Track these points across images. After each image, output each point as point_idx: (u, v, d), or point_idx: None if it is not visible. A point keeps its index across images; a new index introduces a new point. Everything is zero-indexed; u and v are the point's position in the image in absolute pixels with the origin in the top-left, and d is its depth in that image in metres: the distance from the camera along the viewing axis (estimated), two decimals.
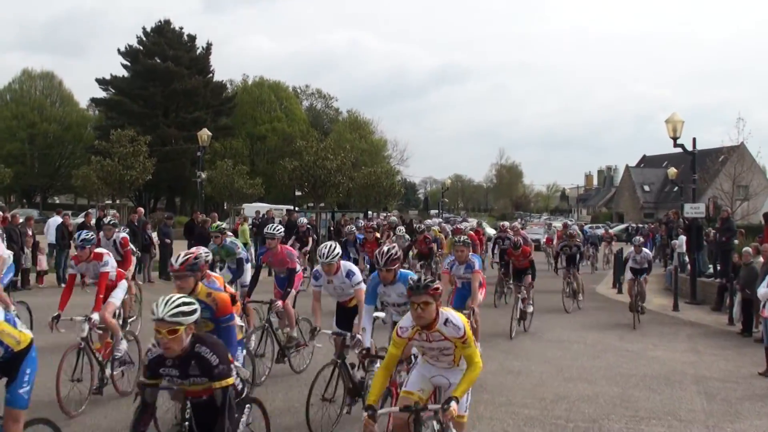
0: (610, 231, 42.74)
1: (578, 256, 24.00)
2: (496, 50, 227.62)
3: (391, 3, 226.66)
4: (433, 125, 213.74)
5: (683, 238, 28.50)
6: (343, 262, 10.41)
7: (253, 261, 19.05)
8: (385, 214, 49.25)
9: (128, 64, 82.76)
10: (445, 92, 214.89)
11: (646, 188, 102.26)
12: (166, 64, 79.52)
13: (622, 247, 34.47)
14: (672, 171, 56.90)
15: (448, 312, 6.89)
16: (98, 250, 11.52)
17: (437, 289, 6.62)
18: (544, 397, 11.43)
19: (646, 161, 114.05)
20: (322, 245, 10.49)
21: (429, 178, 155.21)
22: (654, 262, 39.32)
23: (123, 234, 16.60)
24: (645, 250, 21.50)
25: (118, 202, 37.35)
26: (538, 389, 11.92)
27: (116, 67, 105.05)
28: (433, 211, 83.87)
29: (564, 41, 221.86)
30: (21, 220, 24.47)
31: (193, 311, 6.10)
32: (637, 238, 22.92)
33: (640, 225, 65.25)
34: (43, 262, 24.93)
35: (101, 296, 10.99)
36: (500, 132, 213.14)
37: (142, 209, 30.34)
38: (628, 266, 21.07)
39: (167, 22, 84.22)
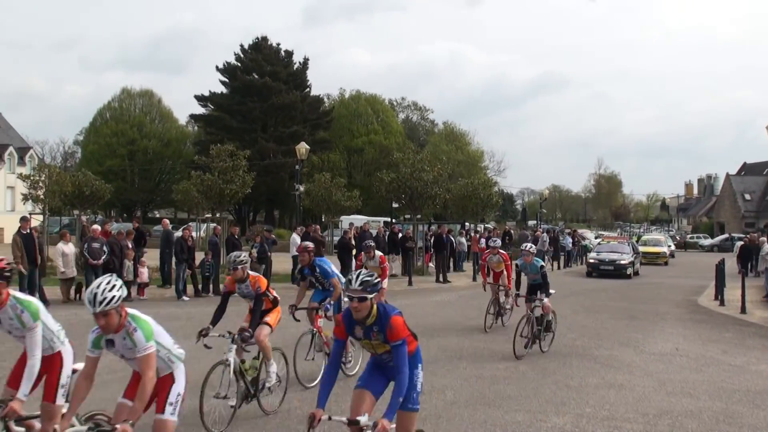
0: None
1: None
2: (595, 58, 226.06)
3: (492, 13, 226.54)
4: (530, 135, 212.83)
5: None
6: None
7: None
8: (483, 226, 49.05)
9: (226, 80, 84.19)
10: (543, 102, 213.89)
11: (747, 197, 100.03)
12: (263, 79, 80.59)
13: (723, 258, 33.67)
14: None
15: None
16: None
17: None
18: (647, 411, 11.13)
19: (747, 169, 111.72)
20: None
21: (526, 189, 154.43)
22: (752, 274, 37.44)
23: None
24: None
25: (218, 215, 37.77)
26: (641, 403, 11.62)
27: (214, 84, 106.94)
28: (531, 222, 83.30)
29: (663, 47, 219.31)
30: (122, 232, 25.11)
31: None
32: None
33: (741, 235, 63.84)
34: (144, 275, 25.29)
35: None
36: (598, 141, 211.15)
37: (219, 227, 30.97)
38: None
39: (264, 39, 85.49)
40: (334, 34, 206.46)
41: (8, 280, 7.23)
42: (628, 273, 38.09)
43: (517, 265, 17.07)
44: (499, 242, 20.52)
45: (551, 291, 16.07)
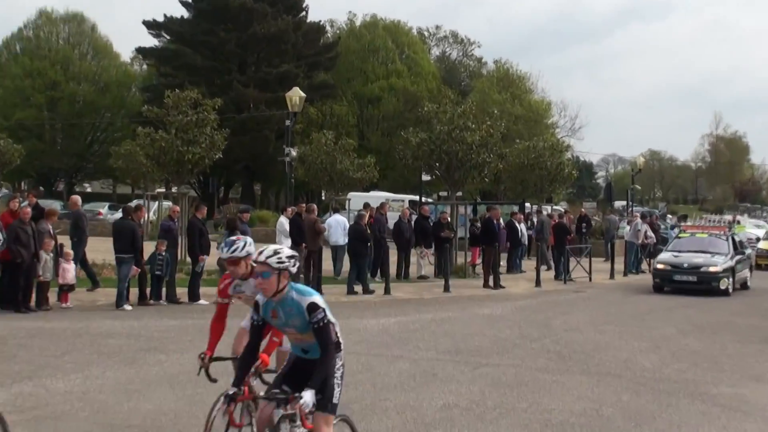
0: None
1: None
2: None
3: None
4: (617, 80, 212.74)
5: None
6: None
7: None
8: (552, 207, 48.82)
9: (189, 1, 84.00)
10: (634, 33, 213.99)
11: None
12: (242, 0, 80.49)
13: None
14: None
15: None
16: None
17: None
18: None
19: None
20: None
21: (612, 156, 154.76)
22: None
23: None
24: None
25: (175, 189, 37.58)
26: None
27: (172, 5, 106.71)
28: (618, 203, 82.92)
29: None
30: (27, 211, 24.48)
31: None
32: None
33: None
34: (69, 274, 24.45)
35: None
36: (715, 89, 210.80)
37: (176, 207, 30.81)
38: None
39: None
40: None
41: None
42: (723, 288, 31.95)
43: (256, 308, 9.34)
44: (250, 248, 10.23)
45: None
